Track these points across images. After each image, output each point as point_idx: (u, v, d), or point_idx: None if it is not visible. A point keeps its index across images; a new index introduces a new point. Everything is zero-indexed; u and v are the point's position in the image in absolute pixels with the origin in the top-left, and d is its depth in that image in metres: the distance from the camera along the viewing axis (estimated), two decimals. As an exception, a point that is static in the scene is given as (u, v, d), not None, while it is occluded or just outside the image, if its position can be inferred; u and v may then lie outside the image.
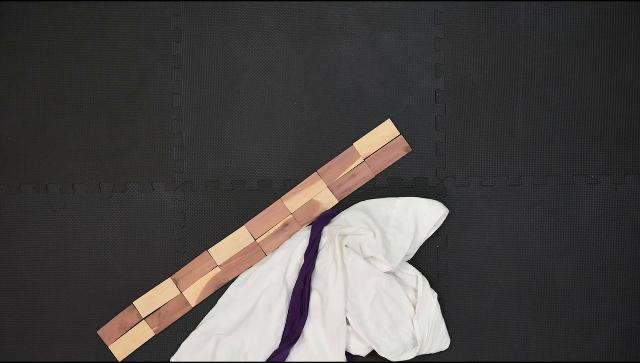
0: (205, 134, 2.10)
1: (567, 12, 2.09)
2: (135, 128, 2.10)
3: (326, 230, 2.01)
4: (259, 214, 2.07)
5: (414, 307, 1.99)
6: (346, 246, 1.98)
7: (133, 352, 2.07)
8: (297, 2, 2.10)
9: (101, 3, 2.10)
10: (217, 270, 2.07)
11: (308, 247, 2.01)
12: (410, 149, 2.07)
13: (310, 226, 2.05)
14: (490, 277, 2.09)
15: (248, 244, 2.07)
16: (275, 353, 1.98)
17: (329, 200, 2.07)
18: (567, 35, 2.09)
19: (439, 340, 2.01)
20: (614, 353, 2.08)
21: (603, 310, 2.07)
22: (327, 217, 2.03)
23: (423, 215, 2.02)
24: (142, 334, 2.06)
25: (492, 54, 2.10)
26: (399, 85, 2.10)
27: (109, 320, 2.08)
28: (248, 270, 2.06)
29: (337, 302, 1.95)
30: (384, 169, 2.08)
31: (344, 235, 1.98)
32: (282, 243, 2.06)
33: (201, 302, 2.07)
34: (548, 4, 2.09)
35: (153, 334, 2.07)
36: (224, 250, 2.07)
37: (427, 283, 2.01)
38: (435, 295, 2.02)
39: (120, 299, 2.08)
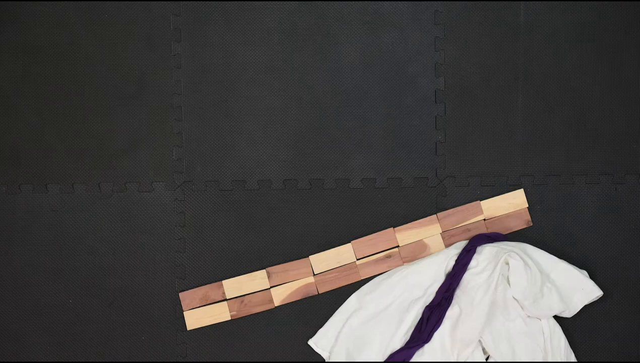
0: (205, 134, 2.10)
1: (567, 12, 2.09)
2: (135, 128, 2.10)
3: (488, 250, 2.00)
4: (368, 236, 2.07)
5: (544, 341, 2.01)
6: (502, 275, 1.99)
7: (204, 327, 2.07)
8: (297, 2, 2.10)
9: (101, 3, 2.10)
10: (311, 279, 2.07)
11: (459, 257, 2.01)
12: (531, 224, 2.07)
13: (467, 241, 2.05)
14: (490, 277, 2.09)
15: (348, 262, 2.07)
16: (400, 351, 1.98)
17: (437, 247, 2.07)
18: (567, 35, 2.09)
19: None
20: (614, 353, 2.07)
21: (603, 310, 2.07)
22: (486, 237, 2.03)
23: (581, 290, 2.00)
24: (219, 314, 2.07)
25: (492, 54, 2.10)
26: (399, 85, 2.10)
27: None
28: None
29: (476, 321, 1.96)
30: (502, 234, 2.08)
31: (508, 264, 1.98)
32: (380, 272, 2.07)
33: (284, 304, 2.07)
34: (548, 4, 2.09)
35: (229, 318, 2.07)
36: (324, 261, 2.07)
37: (552, 317, 2.02)
38: (559, 327, 2.02)
39: (121, 299, 2.09)
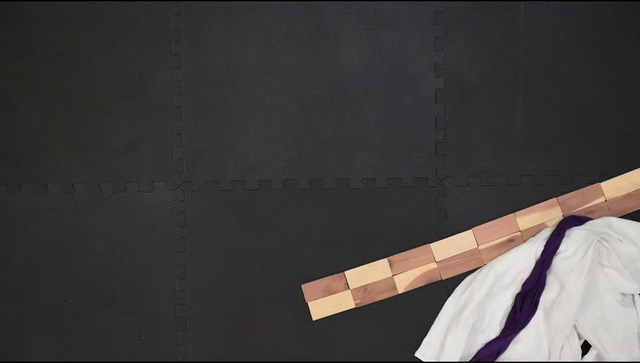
0: (205, 134, 2.10)
1: (567, 12, 2.09)
2: (135, 128, 2.10)
3: (576, 233, 1.99)
4: (488, 222, 2.07)
5: None
6: (594, 259, 1.98)
7: (328, 316, 2.07)
8: (297, 2, 2.10)
9: (101, 3, 2.10)
10: (433, 265, 2.07)
11: (548, 242, 2.00)
12: None
13: (555, 226, 2.05)
14: (491, 277, 2.08)
15: (470, 249, 2.07)
16: (496, 340, 1.98)
17: None
18: (567, 35, 2.09)
19: None
20: (614, 353, 2.08)
21: (603, 310, 2.08)
22: (576, 219, 2.03)
23: None
24: (343, 302, 2.07)
25: (492, 54, 2.10)
26: (399, 85, 2.10)
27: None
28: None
29: (571, 306, 1.95)
30: (622, 214, 2.06)
31: (601, 242, 1.97)
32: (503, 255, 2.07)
33: (409, 291, 2.07)
34: (548, 4, 2.09)
35: (354, 306, 2.07)
36: (445, 248, 2.07)
37: None
38: None
39: (121, 299, 2.09)
